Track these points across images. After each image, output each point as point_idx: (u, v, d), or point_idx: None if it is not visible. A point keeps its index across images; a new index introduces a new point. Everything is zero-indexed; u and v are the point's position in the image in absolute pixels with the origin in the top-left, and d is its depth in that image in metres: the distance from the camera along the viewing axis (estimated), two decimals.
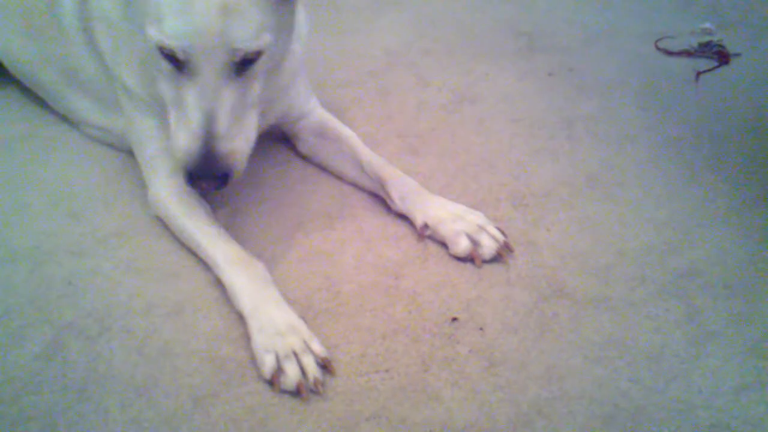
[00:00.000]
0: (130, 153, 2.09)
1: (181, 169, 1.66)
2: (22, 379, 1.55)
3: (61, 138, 2.28)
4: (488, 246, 1.83)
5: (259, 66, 1.63)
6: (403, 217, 1.96)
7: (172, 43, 1.53)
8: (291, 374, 1.51)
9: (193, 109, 1.60)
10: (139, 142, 1.94)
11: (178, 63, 1.57)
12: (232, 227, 1.88)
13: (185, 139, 1.62)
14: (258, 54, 1.59)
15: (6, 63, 2.37)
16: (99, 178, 2.11)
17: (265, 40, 1.58)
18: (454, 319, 1.68)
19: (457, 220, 1.86)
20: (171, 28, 1.52)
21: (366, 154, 2.04)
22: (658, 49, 2.87)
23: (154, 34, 1.55)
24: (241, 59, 1.57)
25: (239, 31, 1.53)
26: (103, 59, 1.93)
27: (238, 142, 1.65)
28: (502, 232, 1.87)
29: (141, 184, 1.99)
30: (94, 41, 1.92)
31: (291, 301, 1.68)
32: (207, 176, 1.64)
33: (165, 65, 1.60)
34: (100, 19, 1.86)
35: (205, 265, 1.80)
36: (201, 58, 1.54)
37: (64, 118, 2.31)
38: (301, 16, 1.94)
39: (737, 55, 2.80)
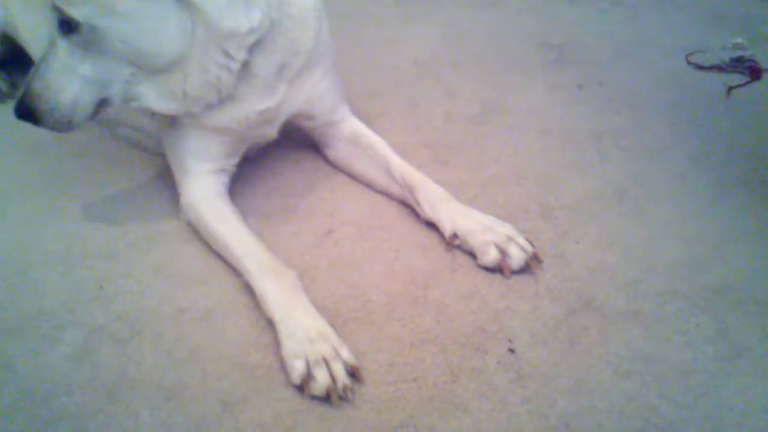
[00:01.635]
0: (162, 157, 2.11)
1: None
2: (53, 380, 1.56)
3: (93, 142, 2.31)
4: (517, 257, 1.83)
5: (86, 40, 1.66)
6: (431, 227, 1.96)
7: None
8: (321, 380, 1.51)
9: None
10: (173, 147, 1.96)
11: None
12: (263, 234, 1.88)
13: None
14: (74, 23, 1.63)
15: None
16: (131, 182, 2.14)
17: (81, 13, 1.61)
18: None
19: (486, 230, 1.86)
20: None
21: (396, 161, 2.05)
22: (690, 63, 2.86)
23: None
24: (61, 17, 1.64)
25: None
26: None
27: (49, 93, 1.72)
28: (531, 244, 1.86)
29: (172, 189, 2.01)
30: None
31: (319, 309, 1.68)
32: (17, 103, 1.75)
33: None
34: None
35: (234, 270, 1.82)
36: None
37: (98, 122, 2.32)
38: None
39: None
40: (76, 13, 1.61)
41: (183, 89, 1.77)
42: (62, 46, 1.69)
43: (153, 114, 1.88)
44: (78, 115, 1.75)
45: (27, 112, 1.74)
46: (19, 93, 1.75)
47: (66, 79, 1.70)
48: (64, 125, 1.75)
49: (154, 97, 1.78)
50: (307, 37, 1.92)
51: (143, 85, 1.76)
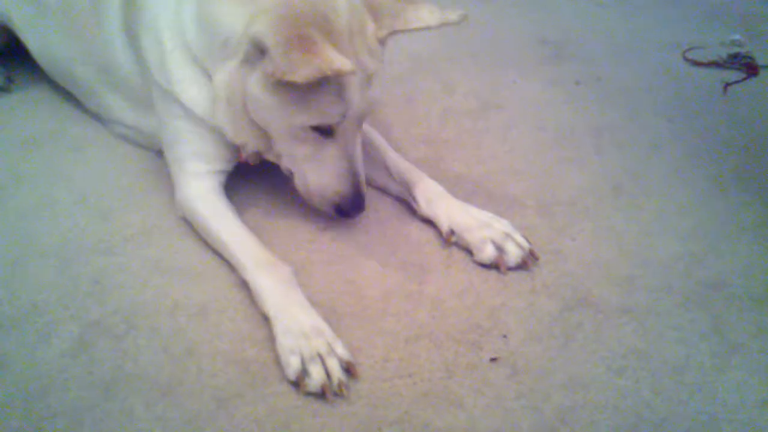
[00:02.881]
0: (157, 153, 2.12)
1: (330, 205, 1.85)
2: (49, 375, 1.56)
3: (90, 137, 2.30)
4: (513, 253, 1.83)
5: None
6: (427, 223, 1.96)
7: (328, 122, 1.71)
8: (316, 376, 1.51)
9: (338, 160, 1.79)
10: (171, 144, 1.96)
11: (323, 132, 1.74)
12: (259, 230, 1.88)
13: (337, 185, 1.81)
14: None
15: (41, 60, 2.40)
16: (127, 177, 2.13)
17: None
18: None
19: (483, 227, 1.86)
20: (331, 112, 1.69)
21: (393, 158, 2.05)
22: (687, 59, 2.86)
23: (308, 120, 1.71)
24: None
25: (378, 90, 1.78)
26: (142, 63, 1.95)
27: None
28: (528, 240, 1.87)
29: (168, 184, 2.01)
30: (138, 46, 1.94)
31: (315, 305, 1.68)
32: (358, 209, 1.85)
33: (311, 135, 1.75)
34: (150, 29, 1.88)
35: (230, 266, 1.81)
36: (349, 123, 1.74)
37: (94, 117, 2.33)
38: None
39: (766, 67, 2.79)
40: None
41: None
42: (359, 135, 1.83)
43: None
44: None
45: (364, 204, 1.86)
46: (340, 203, 1.83)
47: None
48: None
49: None
50: None
51: None
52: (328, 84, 1.63)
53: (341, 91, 1.66)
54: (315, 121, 1.70)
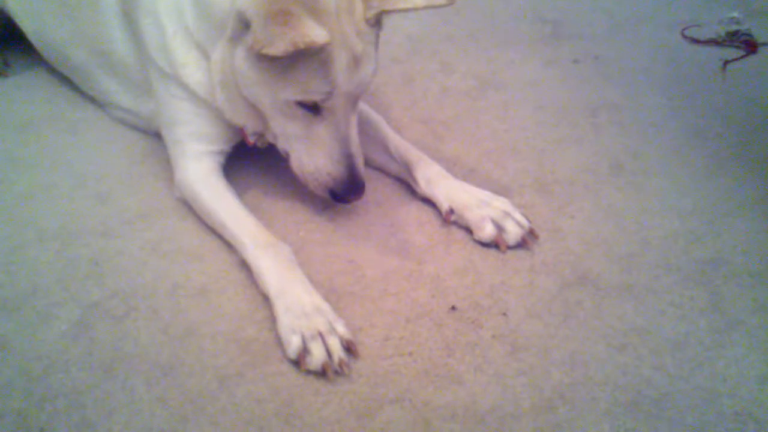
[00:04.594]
0: (155, 136, 2.11)
1: (324, 189, 1.82)
2: (49, 356, 1.57)
3: (88, 120, 2.29)
4: (513, 232, 1.83)
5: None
6: (427, 202, 1.96)
7: (312, 98, 1.69)
8: (317, 354, 1.52)
9: (329, 141, 1.77)
10: (170, 125, 1.96)
11: (311, 109, 1.73)
12: (259, 210, 1.89)
13: (330, 167, 1.78)
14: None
15: (37, 43, 2.38)
16: (125, 160, 2.13)
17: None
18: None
19: (483, 205, 1.86)
20: (315, 89, 1.67)
21: (393, 138, 2.05)
22: (685, 37, 2.85)
23: (291, 95, 1.69)
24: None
25: (368, 71, 1.74)
26: (141, 46, 1.95)
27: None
28: (527, 219, 1.87)
29: (166, 167, 2.01)
30: (136, 29, 1.93)
31: (315, 284, 1.68)
32: (353, 194, 1.82)
33: (299, 112, 1.74)
34: (149, 12, 1.87)
35: (229, 247, 1.82)
36: (337, 102, 1.71)
37: (92, 100, 2.32)
38: None
39: (765, 44, 2.77)
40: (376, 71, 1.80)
41: None
42: (354, 114, 1.81)
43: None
44: None
45: (363, 187, 1.83)
46: (335, 186, 1.80)
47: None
48: None
49: None
50: None
51: None
52: (310, 59, 1.62)
53: (325, 69, 1.64)
54: (299, 97, 1.69)
